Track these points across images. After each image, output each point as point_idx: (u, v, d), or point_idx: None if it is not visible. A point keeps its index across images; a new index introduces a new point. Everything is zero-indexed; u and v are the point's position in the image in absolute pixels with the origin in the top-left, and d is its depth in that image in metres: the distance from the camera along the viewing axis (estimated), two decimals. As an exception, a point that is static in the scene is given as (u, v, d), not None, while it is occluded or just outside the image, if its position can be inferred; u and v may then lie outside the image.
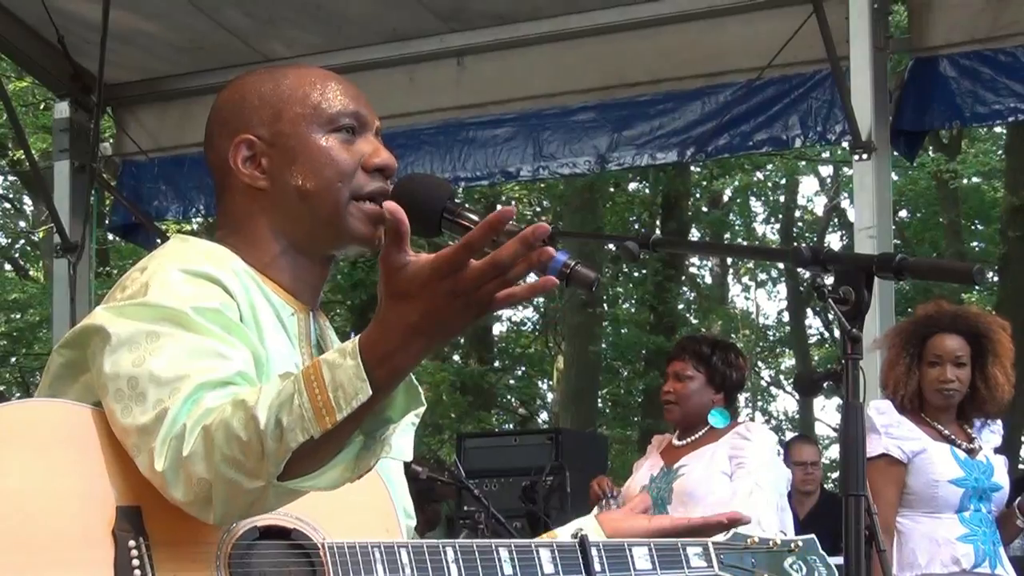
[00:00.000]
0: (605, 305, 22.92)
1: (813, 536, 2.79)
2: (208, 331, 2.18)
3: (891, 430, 5.26)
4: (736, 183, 24.31)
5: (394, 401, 2.10)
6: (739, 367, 5.96)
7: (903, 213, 23.66)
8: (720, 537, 2.67)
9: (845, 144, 7.28)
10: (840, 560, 2.40)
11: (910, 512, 5.26)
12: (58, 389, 2.28)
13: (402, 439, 2.27)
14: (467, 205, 2.29)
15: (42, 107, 18.45)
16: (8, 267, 23.92)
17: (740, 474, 5.62)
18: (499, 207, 2.10)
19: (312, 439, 2.01)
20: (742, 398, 25.03)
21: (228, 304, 2.25)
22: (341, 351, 2.05)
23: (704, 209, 24.86)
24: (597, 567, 2.47)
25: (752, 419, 26.55)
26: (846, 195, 24.03)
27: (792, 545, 2.74)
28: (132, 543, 2.12)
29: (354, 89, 2.47)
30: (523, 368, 24.53)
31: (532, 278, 2.07)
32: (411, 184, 2.37)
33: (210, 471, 2.05)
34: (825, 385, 2.51)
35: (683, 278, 24.28)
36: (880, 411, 5.31)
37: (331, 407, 2.01)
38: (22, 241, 24.37)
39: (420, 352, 2.05)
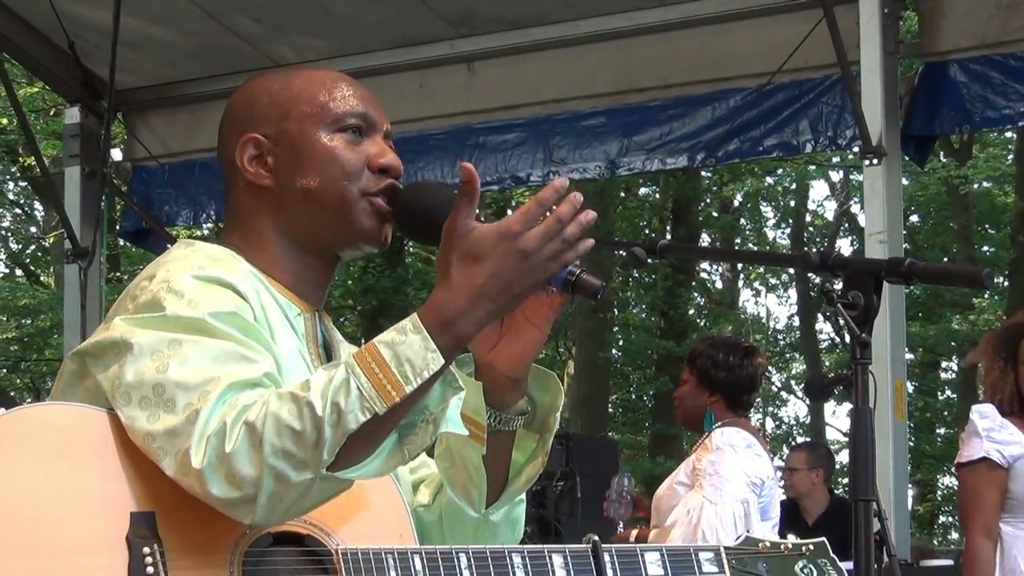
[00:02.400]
0: (615, 310, 22.92)
1: (823, 539, 2.80)
2: (228, 335, 2.18)
3: (992, 434, 5.14)
4: (746, 188, 24.30)
5: (431, 391, 2.14)
6: (730, 367, 5.72)
7: (914, 218, 23.65)
8: (731, 543, 2.68)
9: (856, 149, 7.27)
10: (850, 565, 2.40)
11: (1012, 518, 5.12)
12: (68, 396, 2.28)
13: (453, 412, 2.27)
14: (476, 212, 2.30)
15: (53, 113, 18.48)
16: (19, 273, 23.95)
17: (695, 490, 5.55)
18: (509, 212, 2.13)
19: (376, 416, 2.05)
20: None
21: (243, 306, 2.25)
22: (399, 330, 2.11)
23: (714, 214, 24.86)
24: (609, 573, 2.47)
25: (762, 424, 26.53)
26: (856, 200, 24.02)
27: (803, 549, 2.75)
28: (147, 550, 2.11)
29: (365, 91, 2.46)
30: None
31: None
32: (419, 192, 2.38)
33: (257, 466, 2.05)
34: (835, 390, 2.50)
35: (693, 283, 24.26)
36: (983, 415, 5.19)
37: (397, 382, 2.07)
38: (33, 247, 24.42)
39: (484, 318, 2.13)
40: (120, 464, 2.15)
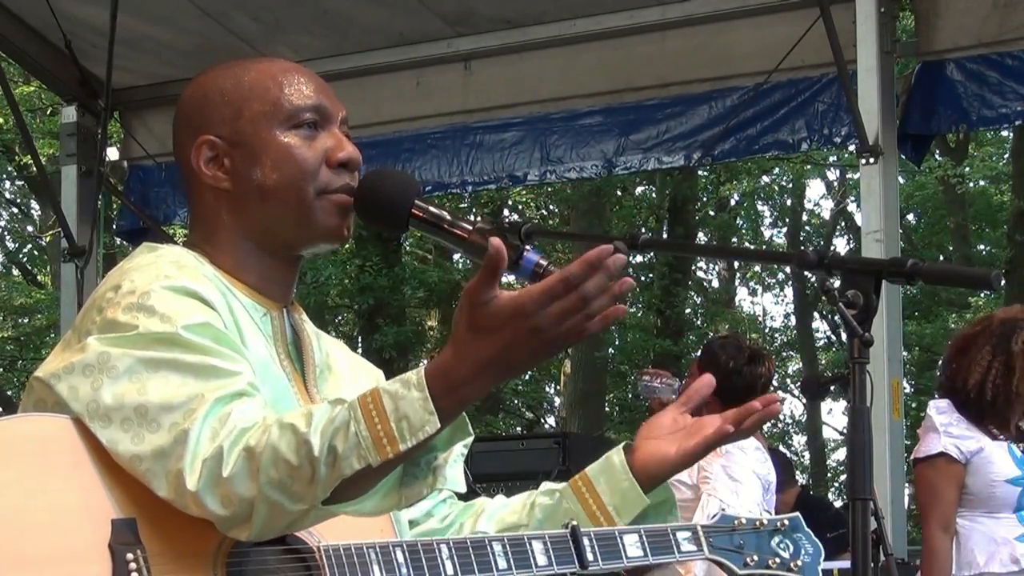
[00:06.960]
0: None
1: (798, 514, 2.85)
2: (204, 348, 2.16)
3: (950, 429, 5.20)
4: (743, 187, 24.30)
5: (439, 434, 2.11)
6: (728, 372, 5.66)
7: (910, 217, 23.66)
8: (708, 521, 2.72)
9: (852, 148, 7.28)
10: (845, 564, 2.41)
11: (968, 512, 5.20)
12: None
13: (452, 469, 2.26)
14: (435, 203, 2.30)
15: (49, 112, 18.46)
16: (16, 272, 23.94)
17: (706, 493, 5.52)
18: (506, 211, 2.11)
19: (369, 467, 2.04)
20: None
21: (213, 316, 2.23)
22: (404, 382, 2.06)
23: (711, 213, 24.86)
24: (589, 557, 2.50)
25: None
26: (853, 199, 24.03)
27: (779, 524, 2.80)
28: (130, 556, 2.10)
29: (318, 81, 2.43)
30: (530, 372, 24.57)
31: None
32: (380, 180, 2.37)
33: (253, 492, 2.05)
34: (832, 388, 2.50)
35: (690, 282, 24.26)
36: (940, 410, 5.25)
37: (393, 437, 2.03)
38: (29, 246, 24.41)
39: (488, 386, 2.09)
40: (97, 472, 2.14)
